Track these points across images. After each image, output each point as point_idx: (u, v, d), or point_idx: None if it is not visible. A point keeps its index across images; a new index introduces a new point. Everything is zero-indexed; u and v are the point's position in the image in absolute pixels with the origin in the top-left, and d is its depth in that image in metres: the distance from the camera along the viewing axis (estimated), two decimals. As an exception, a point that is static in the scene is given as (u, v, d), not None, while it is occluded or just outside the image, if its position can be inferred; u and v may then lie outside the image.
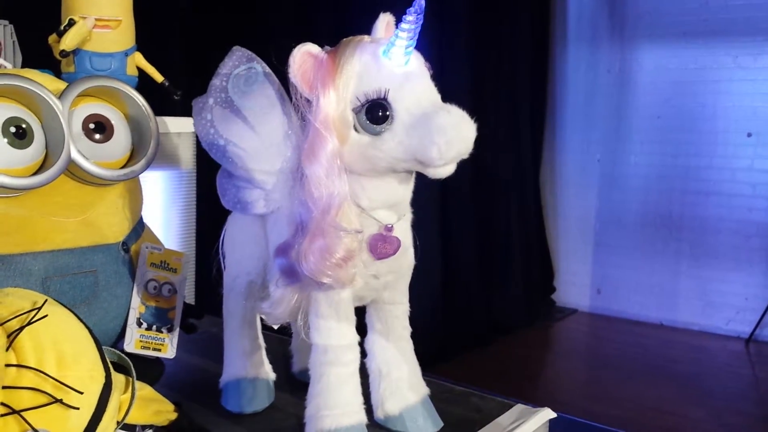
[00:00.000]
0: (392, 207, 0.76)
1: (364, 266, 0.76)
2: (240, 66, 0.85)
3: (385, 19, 0.76)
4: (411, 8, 0.65)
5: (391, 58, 0.68)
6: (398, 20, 0.68)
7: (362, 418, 0.79)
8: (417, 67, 0.70)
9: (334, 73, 0.68)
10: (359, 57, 0.69)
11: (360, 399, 0.79)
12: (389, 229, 0.75)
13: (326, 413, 0.76)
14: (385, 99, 0.67)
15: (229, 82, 0.84)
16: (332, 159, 0.69)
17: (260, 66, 0.85)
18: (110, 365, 0.63)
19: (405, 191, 0.76)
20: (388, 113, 0.68)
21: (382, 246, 0.75)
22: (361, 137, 0.69)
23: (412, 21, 0.65)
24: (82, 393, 0.56)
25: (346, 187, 0.70)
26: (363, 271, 0.76)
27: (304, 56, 0.70)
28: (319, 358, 0.78)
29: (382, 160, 0.70)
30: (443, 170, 0.68)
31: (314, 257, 0.70)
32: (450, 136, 0.65)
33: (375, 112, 0.68)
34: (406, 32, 0.66)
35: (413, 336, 0.88)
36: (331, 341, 0.77)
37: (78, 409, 0.55)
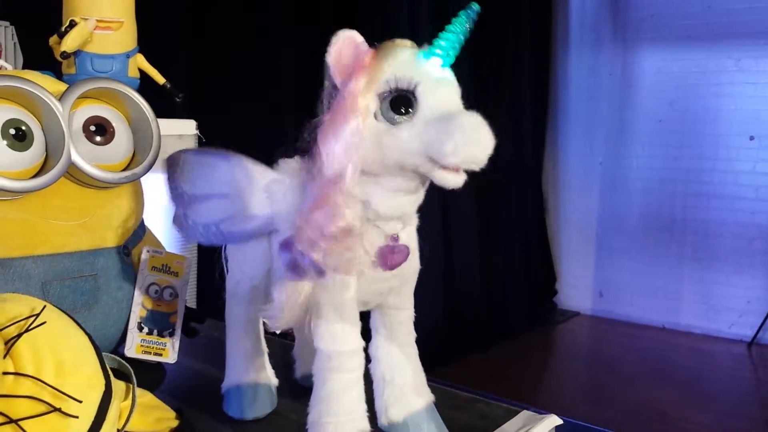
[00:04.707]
0: (399, 218, 0.75)
1: (371, 272, 0.75)
2: (176, 166, 0.86)
3: None
4: (463, 11, 0.65)
5: (429, 59, 0.68)
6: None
7: (365, 426, 0.77)
8: (450, 76, 0.70)
9: (371, 63, 0.68)
10: (399, 52, 0.68)
11: (363, 406, 0.78)
12: (396, 239, 0.74)
13: (329, 420, 0.75)
14: (413, 92, 0.66)
15: (180, 185, 0.85)
16: (354, 136, 0.67)
17: (188, 152, 0.87)
18: (110, 372, 0.61)
19: (412, 204, 0.75)
20: (411, 108, 0.67)
21: (391, 257, 0.74)
22: (378, 125, 0.68)
23: (461, 23, 0.66)
24: (81, 401, 0.54)
25: (358, 161, 0.68)
26: (370, 279, 0.75)
27: (346, 41, 0.69)
28: (323, 365, 0.76)
29: (395, 150, 0.67)
30: (452, 177, 0.66)
31: (310, 228, 0.68)
32: (468, 136, 0.63)
33: (399, 103, 0.67)
34: (451, 34, 0.67)
35: (415, 339, 0.87)
36: (336, 346, 0.76)
37: (77, 417, 0.54)
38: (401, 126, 0.67)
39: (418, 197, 0.74)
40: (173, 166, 0.86)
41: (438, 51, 0.68)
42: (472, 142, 0.63)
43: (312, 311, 0.77)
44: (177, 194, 0.85)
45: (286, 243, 0.72)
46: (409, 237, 0.78)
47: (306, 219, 0.68)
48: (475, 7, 0.65)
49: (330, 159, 0.67)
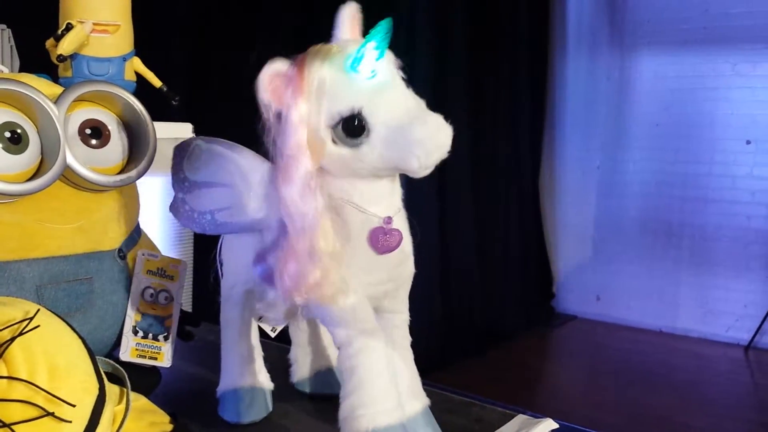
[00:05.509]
0: (382, 200, 0.75)
1: (365, 272, 0.75)
2: (185, 152, 0.86)
3: (349, 12, 0.74)
4: (378, 28, 0.64)
5: (359, 72, 0.68)
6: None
7: (400, 414, 0.75)
8: (387, 74, 0.69)
9: (303, 89, 0.68)
10: (327, 72, 0.68)
11: (396, 393, 0.75)
12: (388, 221, 0.74)
13: (362, 412, 0.72)
14: (359, 115, 0.68)
15: (184, 171, 0.86)
16: (306, 180, 0.68)
17: (199, 140, 0.87)
18: (104, 376, 0.61)
19: (394, 185, 0.76)
20: (364, 124, 0.68)
21: (383, 239, 0.74)
22: (340, 150, 0.69)
23: (379, 40, 0.65)
24: (74, 406, 0.54)
25: (320, 206, 0.69)
26: (364, 284, 0.75)
27: (272, 77, 0.70)
28: (346, 352, 0.75)
29: (364, 169, 0.70)
30: (422, 173, 0.69)
31: (289, 279, 0.69)
32: (428, 147, 0.66)
33: (350, 126, 0.68)
34: (372, 50, 0.66)
35: (411, 342, 0.86)
36: (355, 328, 0.74)
37: (70, 422, 0.54)
38: (362, 148, 0.69)
39: (396, 180, 0.76)
40: (182, 152, 0.87)
41: (365, 61, 0.67)
42: (434, 151, 0.66)
43: (327, 323, 0.76)
44: (179, 179, 0.86)
45: (261, 255, 0.73)
46: (405, 238, 0.78)
47: (284, 269, 0.69)
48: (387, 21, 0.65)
49: (289, 203, 0.69)
